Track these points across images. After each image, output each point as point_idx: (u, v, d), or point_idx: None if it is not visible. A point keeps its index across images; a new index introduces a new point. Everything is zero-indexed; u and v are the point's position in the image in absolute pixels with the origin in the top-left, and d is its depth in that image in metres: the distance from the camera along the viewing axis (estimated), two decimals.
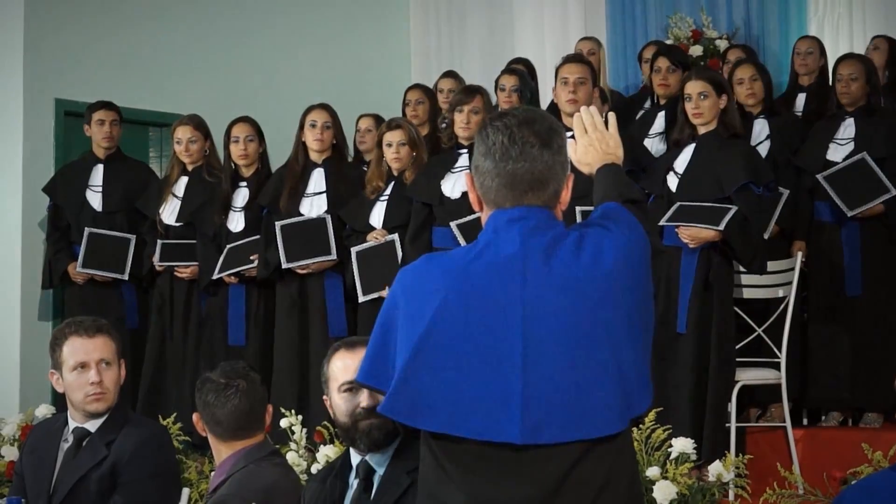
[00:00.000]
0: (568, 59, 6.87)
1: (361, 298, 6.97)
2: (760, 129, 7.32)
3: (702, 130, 6.57)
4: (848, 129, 7.10)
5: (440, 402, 2.73)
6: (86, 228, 7.94)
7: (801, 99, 7.92)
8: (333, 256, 7.21)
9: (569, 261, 2.81)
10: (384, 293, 6.85)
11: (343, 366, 3.72)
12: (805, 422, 7.14)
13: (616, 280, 2.82)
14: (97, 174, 8.18)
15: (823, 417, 7.07)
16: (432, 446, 2.81)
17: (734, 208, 6.30)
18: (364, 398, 3.65)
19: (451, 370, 2.73)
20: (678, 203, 6.42)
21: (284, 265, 7.24)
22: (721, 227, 6.23)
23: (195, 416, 4.17)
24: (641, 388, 2.81)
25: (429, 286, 2.80)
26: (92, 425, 4.55)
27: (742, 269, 6.49)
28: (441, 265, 2.85)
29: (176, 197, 7.90)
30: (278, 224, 7.27)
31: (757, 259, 6.38)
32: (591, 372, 2.74)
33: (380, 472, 3.68)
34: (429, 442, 2.82)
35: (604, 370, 2.75)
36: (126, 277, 7.90)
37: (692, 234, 6.33)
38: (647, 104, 8.26)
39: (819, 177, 6.91)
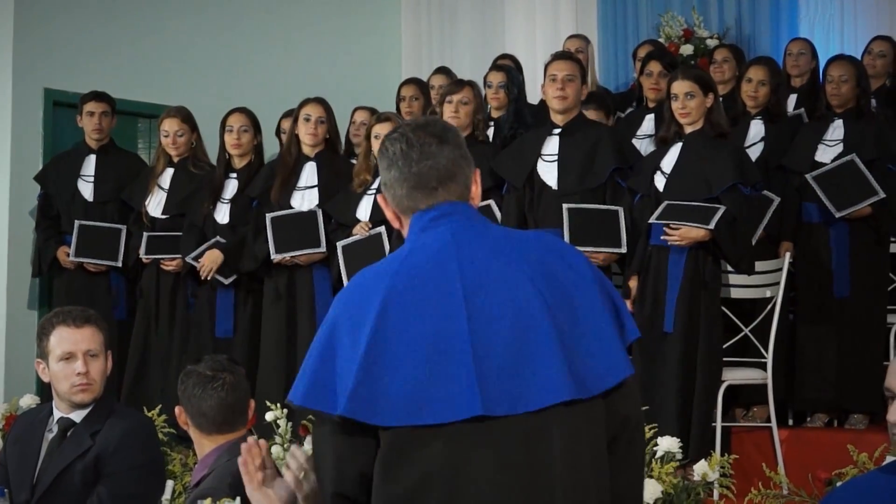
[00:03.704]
0: (557, 57, 6.85)
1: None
2: (756, 131, 7.33)
3: (688, 129, 6.56)
4: (837, 130, 7.10)
5: (398, 397, 2.71)
6: (76, 221, 7.93)
7: (792, 100, 7.92)
8: (322, 249, 7.20)
9: (501, 231, 2.92)
10: None
11: None
12: (790, 422, 7.15)
13: (550, 245, 2.89)
14: (89, 164, 8.18)
15: (809, 418, 7.08)
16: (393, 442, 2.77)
17: (723, 208, 6.30)
18: None
19: (404, 362, 2.71)
20: (666, 202, 6.43)
21: (273, 256, 7.23)
22: (711, 226, 6.24)
23: (177, 409, 4.15)
24: (600, 357, 2.79)
25: (365, 294, 2.79)
26: (77, 416, 4.54)
27: (730, 268, 6.50)
28: (373, 272, 2.86)
29: (161, 189, 7.90)
30: (269, 216, 7.25)
31: (745, 259, 6.38)
32: (533, 339, 2.74)
33: None
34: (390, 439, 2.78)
35: (544, 337, 2.74)
36: (120, 264, 7.90)
37: (682, 233, 6.32)
38: (636, 103, 8.27)
39: (808, 177, 6.92)
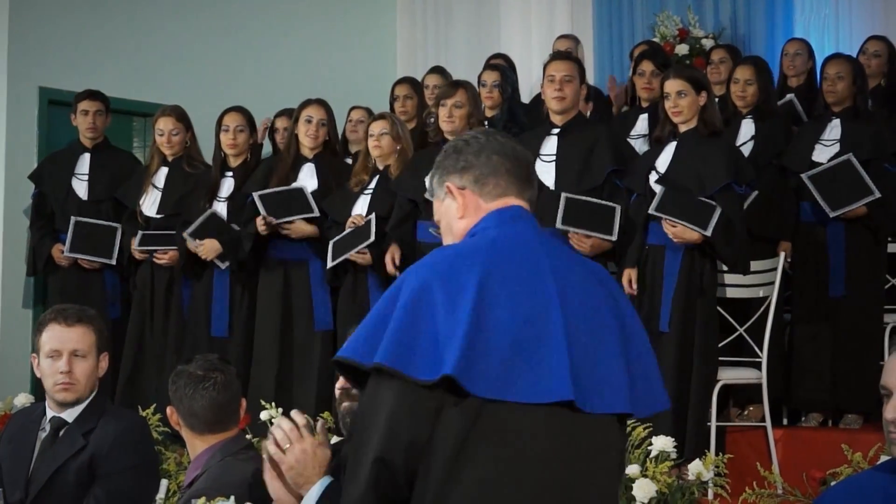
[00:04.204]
0: (555, 57, 6.86)
1: (330, 264, 6.99)
2: (747, 129, 7.32)
3: (682, 128, 6.56)
4: (834, 130, 7.10)
5: (492, 370, 2.69)
6: (72, 217, 7.92)
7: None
8: (315, 213, 7.19)
9: (567, 245, 2.98)
10: (351, 254, 6.86)
11: None
12: (785, 422, 7.14)
13: (606, 274, 3.03)
14: (83, 163, 8.17)
15: (803, 418, 7.07)
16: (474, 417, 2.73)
17: (719, 209, 6.29)
18: (341, 380, 3.60)
19: (502, 337, 2.70)
20: (665, 188, 6.41)
21: (265, 216, 7.18)
22: (708, 232, 6.23)
23: (169, 410, 4.15)
24: (649, 383, 2.90)
25: (458, 265, 2.77)
26: (69, 415, 4.53)
27: (725, 268, 6.50)
28: (461, 249, 2.87)
29: (156, 188, 7.88)
30: (255, 194, 7.24)
31: (740, 259, 6.39)
32: (605, 347, 2.82)
33: None
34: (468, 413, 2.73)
35: (614, 347, 2.83)
36: (114, 262, 7.89)
37: (677, 233, 6.32)
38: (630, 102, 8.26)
39: (803, 176, 6.90)
